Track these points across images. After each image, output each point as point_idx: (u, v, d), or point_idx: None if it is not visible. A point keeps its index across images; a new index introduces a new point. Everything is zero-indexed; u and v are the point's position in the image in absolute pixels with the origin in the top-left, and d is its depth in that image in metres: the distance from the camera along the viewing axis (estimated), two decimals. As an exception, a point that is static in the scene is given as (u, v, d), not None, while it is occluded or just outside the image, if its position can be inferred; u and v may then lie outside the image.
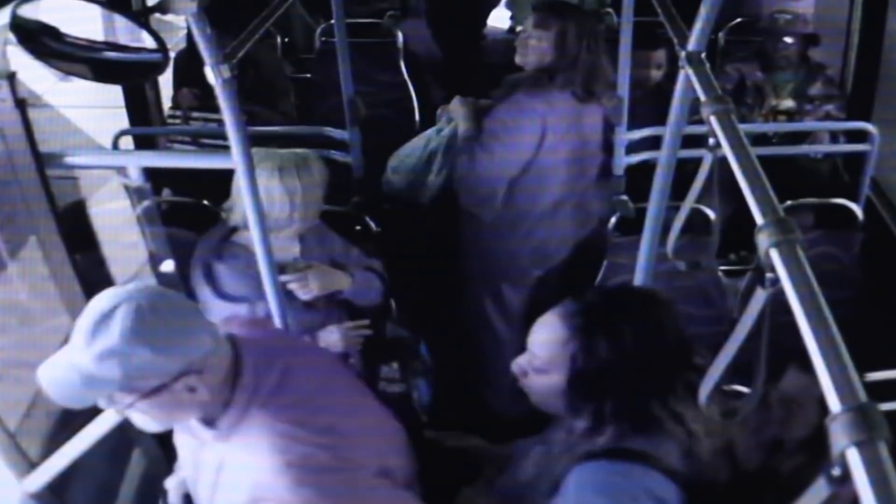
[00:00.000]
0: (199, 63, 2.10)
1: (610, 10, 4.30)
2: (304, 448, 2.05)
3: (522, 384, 2.23)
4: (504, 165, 3.71)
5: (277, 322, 2.64)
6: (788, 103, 4.58)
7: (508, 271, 3.96)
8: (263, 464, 2.04)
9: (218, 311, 2.90)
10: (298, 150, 2.99)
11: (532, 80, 3.67)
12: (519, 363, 2.22)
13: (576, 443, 2.08)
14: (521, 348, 2.20)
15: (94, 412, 2.30)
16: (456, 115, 3.80)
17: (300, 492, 2.03)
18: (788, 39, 4.54)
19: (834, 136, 4.39)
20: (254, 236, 2.43)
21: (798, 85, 4.59)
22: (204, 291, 2.95)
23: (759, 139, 4.23)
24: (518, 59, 3.74)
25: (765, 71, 4.64)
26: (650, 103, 4.18)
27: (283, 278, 2.89)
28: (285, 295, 2.82)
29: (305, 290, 2.97)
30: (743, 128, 1.65)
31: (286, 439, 2.05)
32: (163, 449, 3.07)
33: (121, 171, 2.95)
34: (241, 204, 2.80)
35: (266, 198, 2.76)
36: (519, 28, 3.67)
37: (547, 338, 2.15)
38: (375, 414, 2.42)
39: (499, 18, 7.36)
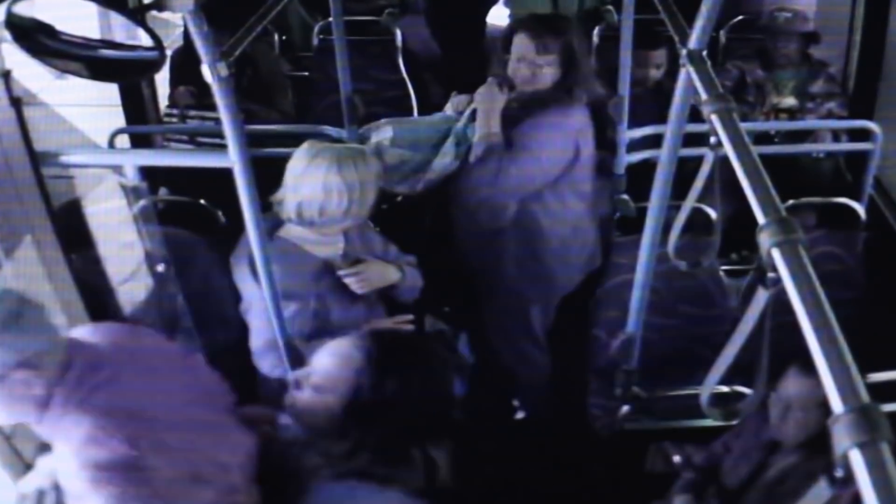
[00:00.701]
0: (196, 61, 2.10)
1: (611, 7, 4.30)
2: (104, 452, 2.15)
3: (288, 395, 2.43)
4: (532, 180, 3.62)
5: (275, 325, 2.63)
6: (790, 101, 4.58)
7: (532, 288, 3.91)
8: (70, 462, 2.18)
9: (262, 309, 2.86)
10: (354, 145, 2.99)
11: (553, 97, 3.55)
12: (296, 375, 2.44)
13: (333, 464, 2.24)
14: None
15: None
16: (483, 115, 3.56)
17: (96, 493, 2.15)
18: (788, 38, 4.55)
19: (836, 135, 4.38)
20: (250, 236, 2.42)
21: (799, 83, 4.59)
22: (248, 287, 2.91)
23: (761, 138, 4.22)
24: (522, 86, 3.52)
25: (766, 69, 4.64)
26: (650, 101, 4.18)
27: (341, 273, 2.93)
28: (334, 291, 2.91)
29: (362, 284, 2.97)
30: (744, 126, 1.65)
31: (90, 443, 2.16)
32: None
33: (117, 169, 2.95)
34: (293, 197, 2.81)
35: (324, 192, 2.79)
36: (514, 56, 3.47)
37: (338, 363, 2.35)
38: (214, 427, 2.46)
39: (498, 16, 7.35)
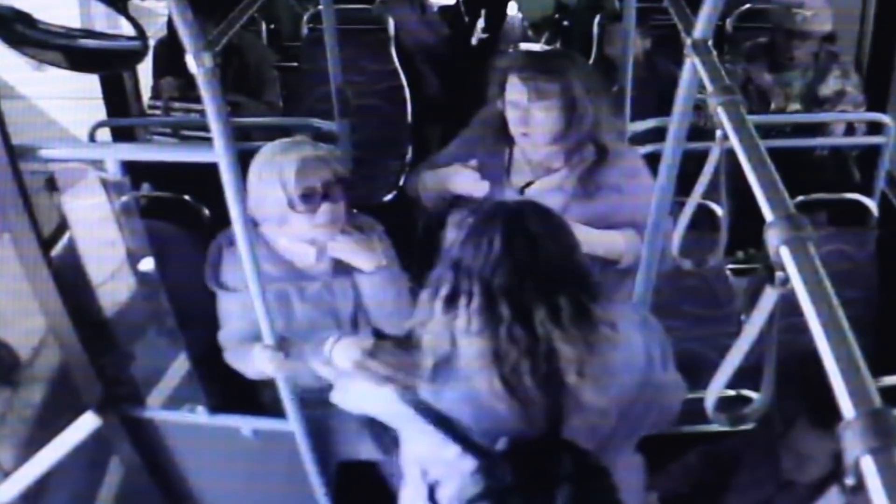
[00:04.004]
0: (181, 51, 2.09)
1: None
2: None
3: None
4: None
5: (264, 328, 2.63)
6: (795, 107, 4.51)
7: None
8: None
9: (222, 300, 2.90)
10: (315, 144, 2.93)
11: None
12: None
13: None
14: None
15: (69, 419, 2.30)
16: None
17: None
18: (804, 39, 4.43)
19: (850, 129, 4.34)
20: (237, 233, 2.42)
21: (806, 87, 4.51)
22: (209, 278, 2.91)
23: (769, 131, 4.23)
24: (520, 135, 3.02)
25: (773, 71, 4.56)
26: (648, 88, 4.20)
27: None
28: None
29: (333, 226, 2.85)
30: (752, 119, 1.65)
31: None
32: (141, 457, 3.07)
33: (98, 164, 2.94)
34: (255, 198, 2.80)
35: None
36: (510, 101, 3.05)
37: None
38: None
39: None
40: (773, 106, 4.50)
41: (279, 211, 2.75)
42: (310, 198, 2.74)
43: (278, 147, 2.78)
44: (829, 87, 4.48)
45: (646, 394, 2.33)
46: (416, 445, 2.37)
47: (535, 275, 2.08)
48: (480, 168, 3.06)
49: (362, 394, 2.35)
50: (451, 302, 2.11)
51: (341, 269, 2.91)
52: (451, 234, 2.78)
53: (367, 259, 2.87)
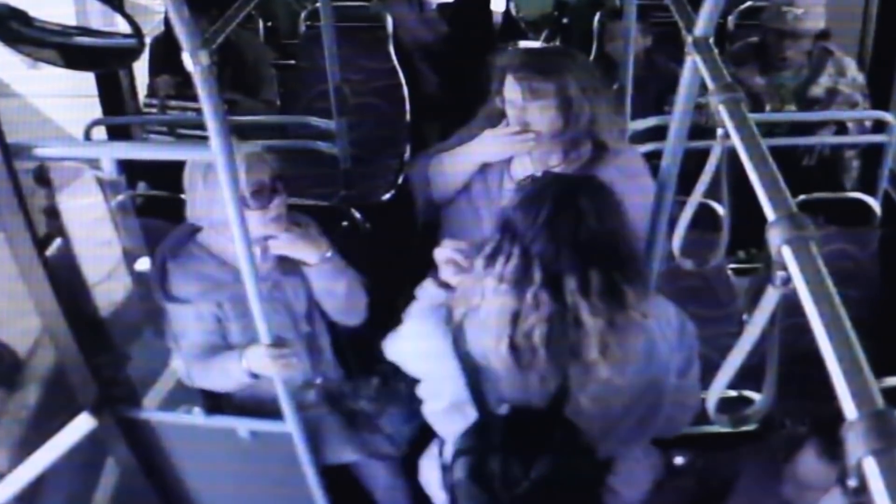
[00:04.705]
0: (177, 49, 2.09)
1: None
2: None
3: None
4: None
5: (260, 325, 2.63)
6: (790, 108, 4.44)
7: None
8: None
9: (176, 314, 2.93)
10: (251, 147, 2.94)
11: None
12: None
13: None
14: None
15: (64, 420, 2.30)
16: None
17: None
18: (796, 38, 4.35)
19: (842, 128, 4.31)
20: (234, 233, 2.42)
21: (800, 86, 4.44)
22: (157, 294, 2.94)
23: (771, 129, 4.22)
24: (515, 133, 3.01)
25: (764, 72, 4.46)
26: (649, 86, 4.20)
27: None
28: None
29: (277, 225, 2.90)
30: (754, 118, 1.65)
31: None
32: (137, 458, 3.07)
33: (93, 163, 2.94)
34: (202, 202, 2.80)
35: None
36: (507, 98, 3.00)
37: None
38: None
39: (494, 3, 7.36)
40: (767, 108, 4.41)
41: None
42: (260, 194, 2.79)
43: None
44: (819, 87, 4.43)
45: (656, 394, 2.36)
46: (435, 401, 2.48)
47: (573, 246, 2.16)
48: (483, 162, 3.10)
49: (412, 332, 2.51)
50: (491, 259, 2.22)
51: (289, 267, 2.96)
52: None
53: (313, 251, 2.92)
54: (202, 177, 2.77)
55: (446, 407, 2.44)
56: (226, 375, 2.89)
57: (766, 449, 2.72)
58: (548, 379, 2.29)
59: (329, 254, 2.94)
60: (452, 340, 2.34)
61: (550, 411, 2.31)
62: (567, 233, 2.17)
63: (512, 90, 2.96)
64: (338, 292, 3.01)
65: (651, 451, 2.68)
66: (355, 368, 3.18)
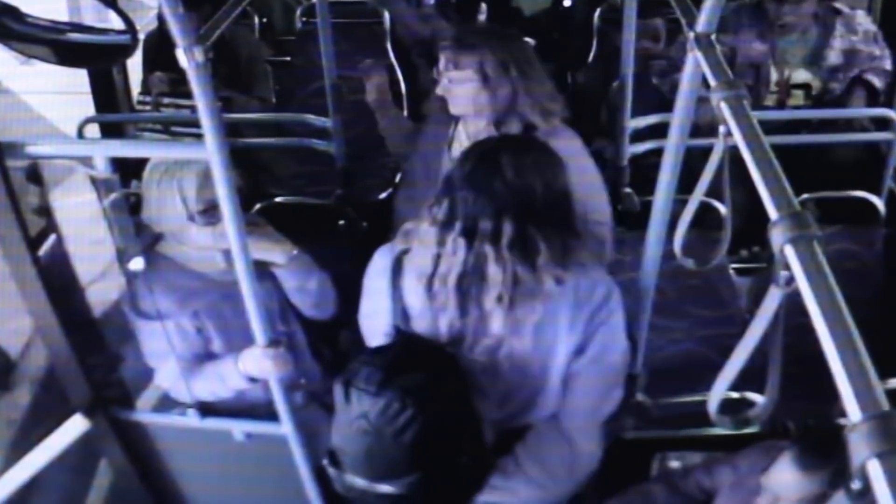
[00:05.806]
0: (171, 45, 2.08)
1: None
2: None
3: None
4: None
5: (258, 326, 2.63)
6: (802, 75, 4.26)
7: None
8: None
9: (147, 331, 2.90)
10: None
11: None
12: None
13: None
14: None
15: (57, 422, 2.29)
16: None
17: None
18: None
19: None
20: (229, 231, 2.41)
21: (809, 52, 4.24)
22: (129, 314, 2.91)
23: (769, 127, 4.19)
24: (452, 109, 3.25)
25: (763, 38, 4.26)
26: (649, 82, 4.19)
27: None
28: (213, 310, 2.90)
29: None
30: (756, 115, 1.65)
31: None
32: (131, 460, 3.07)
33: (86, 161, 2.94)
34: (155, 203, 2.79)
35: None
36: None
37: None
38: None
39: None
40: (773, 80, 4.27)
41: (178, 225, 2.80)
42: (209, 212, 2.76)
43: (173, 160, 2.79)
44: (835, 51, 4.23)
45: (547, 368, 2.50)
46: (372, 339, 2.65)
47: (490, 198, 2.31)
48: (431, 138, 3.48)
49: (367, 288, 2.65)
50: (430, 207, 2.42)
51: (259, 270, 2.93)
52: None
53: (278, 252, 2.92)
54: (158, 179, 2.76)
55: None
56: (222, 382, 2.87)
57: (747, 459, 2.71)
58: (454, 323, 2.44)
59: (295, 251, 2.94)
60: (390, 277, 2.51)
61: (440, 349, 2.47)
62: (485, 184, 2.32)
63: (441, 63, 3.18)
64: (310, 288, 3.01)
65: (574, 441, 2.61)
66: (333, 367, 3.17)
